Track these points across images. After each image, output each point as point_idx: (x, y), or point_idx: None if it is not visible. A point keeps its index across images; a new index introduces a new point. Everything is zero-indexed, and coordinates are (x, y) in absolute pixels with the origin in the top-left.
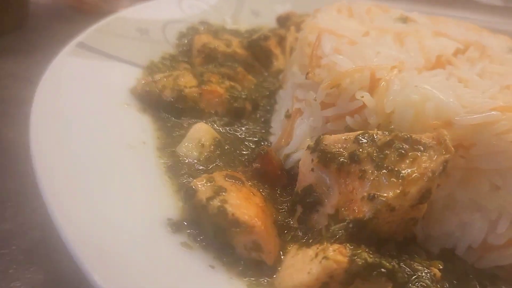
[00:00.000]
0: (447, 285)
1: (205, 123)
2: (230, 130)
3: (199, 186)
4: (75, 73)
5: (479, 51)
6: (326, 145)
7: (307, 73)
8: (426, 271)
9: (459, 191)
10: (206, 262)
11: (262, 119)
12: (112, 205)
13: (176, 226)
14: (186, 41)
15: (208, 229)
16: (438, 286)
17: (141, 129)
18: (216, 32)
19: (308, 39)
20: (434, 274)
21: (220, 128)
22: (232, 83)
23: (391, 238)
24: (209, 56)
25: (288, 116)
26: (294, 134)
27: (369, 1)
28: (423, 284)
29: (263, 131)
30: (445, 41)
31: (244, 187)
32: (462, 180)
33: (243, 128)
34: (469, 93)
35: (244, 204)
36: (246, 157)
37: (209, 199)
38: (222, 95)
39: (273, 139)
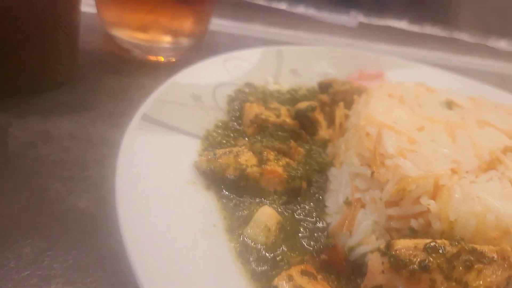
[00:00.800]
0: None
1: (267, 204)
2: (288, 209)
3: (281, 286)
4: (145, 149)
5: None
6: (397, 251)
7: (372, 172)
8: None
9: None
10: None
11: (316, 196)
12: None
13: None
14: (236, 107)
15: None
16: None
17: (209, 209)
18: (264, 99)
19: (366, 129)
20: None
21: (279, 208)
22: (288, 160)
23: None
24: (261, 126)
25: (347, 203)
26: (357, 227)
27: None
28: None
29: (318, 209)
30: (493, 134)
31: (318, 283)
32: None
33: (300, 207)
34: None
35: None
36: (307, 240)
37: None
38: (281, 175)
39: (329, 219)
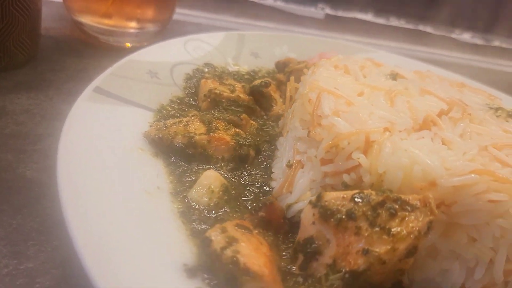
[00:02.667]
0: None
1: (214, 169)
2: (235, 175)
3: (214, 236)
4: (93, 119)
5: (461, 110)
6: (326, 202)
7: (309, 131)
8: None
9: (441, 242)
10: None
11: (264, 164)
12: (130, 248)
13: (191, 272)
14: (192, 84)
15: (221, 275)
16: None
17: (155, 173)
18: (220, 76)
19: (308, 96)
20: None
21: (226, 174)
22: (237, 130)
23: (381, 286)
24: (215, 101)
25: (289, 166)
26: (296, 185)
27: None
28: None
29: (265, 176)
30: (431, 101)
31: (252, 236)
32: (443, 233)
33: (247, 174)
34: (451, 155)
35: (254, 254)
36: (250, 202)
37: (223, 249)
38: (228, 142)
39: (274, 184)
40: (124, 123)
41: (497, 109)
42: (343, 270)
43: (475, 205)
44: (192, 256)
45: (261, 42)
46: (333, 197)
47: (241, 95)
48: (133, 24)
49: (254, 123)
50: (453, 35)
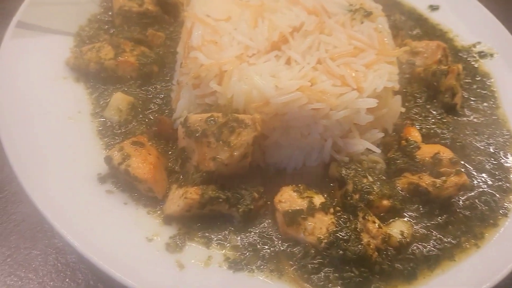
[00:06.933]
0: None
1: (123, 90)
2: (143, 90)
3: (113, 155)
4: (19, 56)
5: (317, 21)
6: (189, 123)
7: (181, 63)
8: (248, 193)
9: (282, 138)
10: (121, 200)
11: (169, 76)
12: (55, 165)
13: (103, 179)
14: None
15: (122, 180)
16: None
17: (77, 99)
18: None
19: (187, 27)
20: (254, 195)
21: (135, 90)
22: (143, 48)
23: (235, 175)
24: (126, 17)
25: (178, 83)
26: (178, 104)
27: None
28: (247, 202)
29: (168, 88)
30: (294, 14)
31: (144, 149)
32: (283, 132)
33: (152, 88)
34: (286, 75)
35: (141, 165)
36: (154, 113)
37: (119, 164)
38: (133, 64)
39: (172, 95)
40: (48, 54)
41: (355, 11)
42: (202, 170)
43: (301, 113)
44: (104, 167)
45: None
46: (194, 120)
47: (150, 7)
48: None
49: (161, 34)
50: None
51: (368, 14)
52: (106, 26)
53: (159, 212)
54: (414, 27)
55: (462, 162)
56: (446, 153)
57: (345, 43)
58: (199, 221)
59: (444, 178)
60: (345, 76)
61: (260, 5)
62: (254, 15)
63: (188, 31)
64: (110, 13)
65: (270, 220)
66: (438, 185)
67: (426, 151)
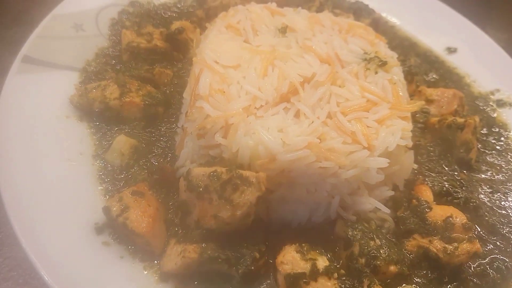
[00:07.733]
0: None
1: (126, 131)
2: (147, 131)
3: (111, 205)
4: (23, 93)
5: (329, 70)
6: (191, 177)
7: (187, 112)
8: (249, 253)
9: (288, 193)
10: (118, 254)
11: (174, 117)
12: (55, 210)
13: (100, 229)
14: (117, 31)
15: (119, 232)
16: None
17: (79, 139)
18: (139, 24)
19: (195, 72)
20: (255, 255)
21: (139, 131)
22: (149, 88)
23: (236, 231)
24: (134, 53)
25: (183, 129)
26: (182, 153)
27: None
28: (247, 263)
29: (173, 130)
30: (306, 62)
31: (144, 199)
32: (288, 188)
33: (156, 129)
34: (294, 130)
35: (140, 218)
36: (157, 157)
37: (118, 216)
38: (138, 105)
39: (177, 138)
40: (52, 91)
41: (370, 61)
42: (202, 227)
43: (308, 171)
44: (103, 215)
45: None
46: (196, 174)
47: (158, 43)
48: None
49: (169, 72)
50: None
51: (383, 64)
52: (113, 61)
53: (155, 268)
54: (429, 70)
55: (475, 225)
56: (459, 217)
57: (358, 95)
58: (197, 279)
59: (456, 244)
60: (356, 132)
61: (271, 51)
62: (264, 62)
63: (196, 77)
64: (118, 48)
65: (270, 281)
66: (449, 251)
67: (438, 214)
